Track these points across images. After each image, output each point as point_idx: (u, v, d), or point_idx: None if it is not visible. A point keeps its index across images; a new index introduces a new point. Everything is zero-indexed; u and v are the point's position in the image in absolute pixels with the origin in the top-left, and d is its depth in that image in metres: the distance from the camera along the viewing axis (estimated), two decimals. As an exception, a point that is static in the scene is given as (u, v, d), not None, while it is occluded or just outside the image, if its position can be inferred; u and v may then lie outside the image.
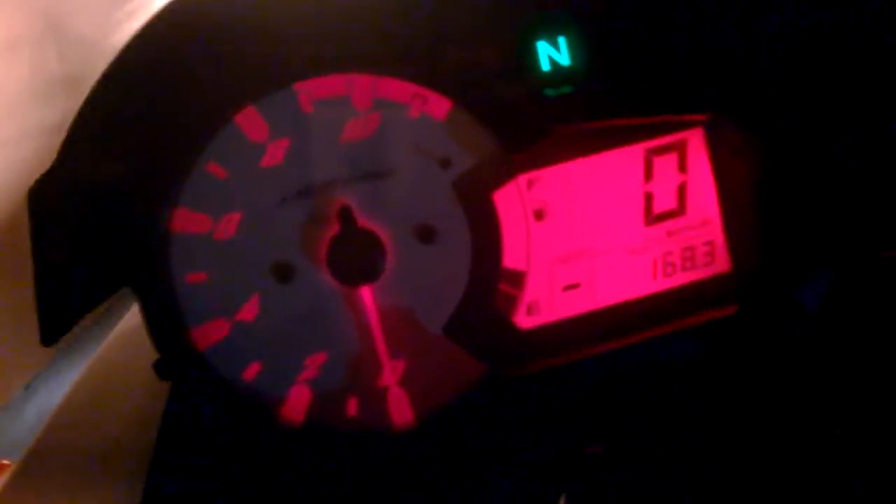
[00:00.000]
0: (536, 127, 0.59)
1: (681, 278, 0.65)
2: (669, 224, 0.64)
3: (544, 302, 0.63)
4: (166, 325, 0.59)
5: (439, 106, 0.59)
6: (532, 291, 0.63)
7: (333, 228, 0.59)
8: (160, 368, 0.59)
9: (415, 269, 0.61)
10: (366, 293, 0.60)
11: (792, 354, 0.65)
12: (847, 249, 0.64)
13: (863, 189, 0.63)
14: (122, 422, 0.66)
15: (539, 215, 0.62)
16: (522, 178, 0.61)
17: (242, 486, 0.62)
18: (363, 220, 0.59)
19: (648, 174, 0.63)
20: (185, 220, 0.58)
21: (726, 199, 0.64)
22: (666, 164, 0.63)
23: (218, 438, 0.62)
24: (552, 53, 0.60)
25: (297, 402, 0.62)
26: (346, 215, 0.58)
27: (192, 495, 0.62)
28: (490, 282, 0.61)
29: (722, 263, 0.65)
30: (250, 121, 0.58)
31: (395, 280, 0.60)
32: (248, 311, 0.60)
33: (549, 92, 0.60)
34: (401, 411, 0.63)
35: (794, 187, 0.63)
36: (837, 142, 0.61)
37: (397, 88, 0.59)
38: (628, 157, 0.62)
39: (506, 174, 0.61)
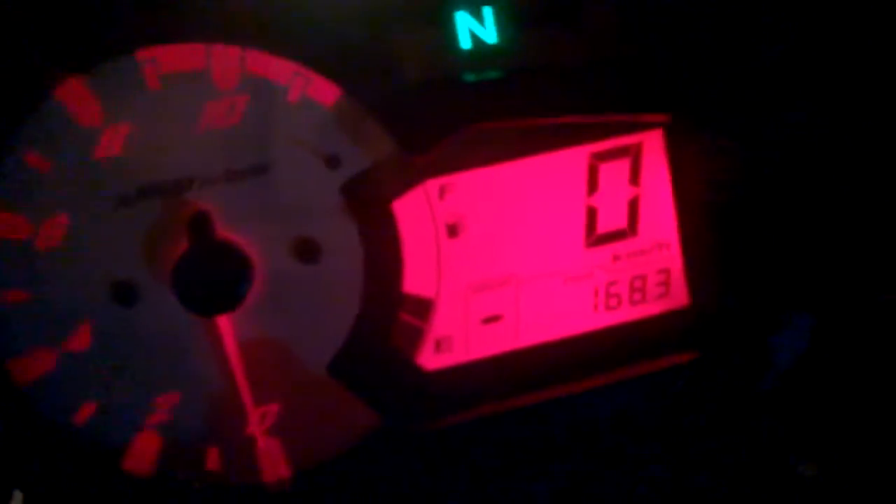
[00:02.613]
0: (449, 122, 0.43)
1: (628, 313, 0.49)
2: (616, 247, 0.48)
3: (457, 338, 0.48)
4: (-28, 353, 0.43)
5: (326, 90, 0.43)
6: (441, 324, 0.47)
7: (185, 240, 0.43)
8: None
9: (291, 294, 0.45)
10: (223, 324, 0.44)
11: (757, 410, 0.49)
12: (833, 289, 0.48)
13: (854, 214, 0.47)
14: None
15: (452, 231, 0.46)
16: (432, 185, 0.45)
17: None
18: (224, 231, 0.43)
19: (593, 184, 0.47)
20: (-3, 223, 0.42)
21: (687, 220, 0.48)
22: (615, 173, 0.47)
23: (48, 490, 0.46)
24: (474, 27, 0.44)
25: (143, 451, 0.46)
26: (199, 224, 0.42)
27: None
28: (387, 311, 0.46)
29: (679, 297, 0.50)
30: (78, 98, 0.42)
31: (264, 308, 0.45)
32: (79, 339, 0.44)
33: (469, 77, 0.44)
34: (273, 465, 0.47)
35: (769, 210, 0.47)
36: (826, 156, 0.45)
37: (272, 65, 0.43)
38: (568, 163, 0.47)
39: (410, 178, 0.45)
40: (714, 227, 0.48)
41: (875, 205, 0.49)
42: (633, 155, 0.47)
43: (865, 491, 0.49)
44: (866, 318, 0.48)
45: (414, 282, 0.47)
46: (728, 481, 0.50)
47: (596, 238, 0.48)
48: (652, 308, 0.50)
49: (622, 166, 0.48)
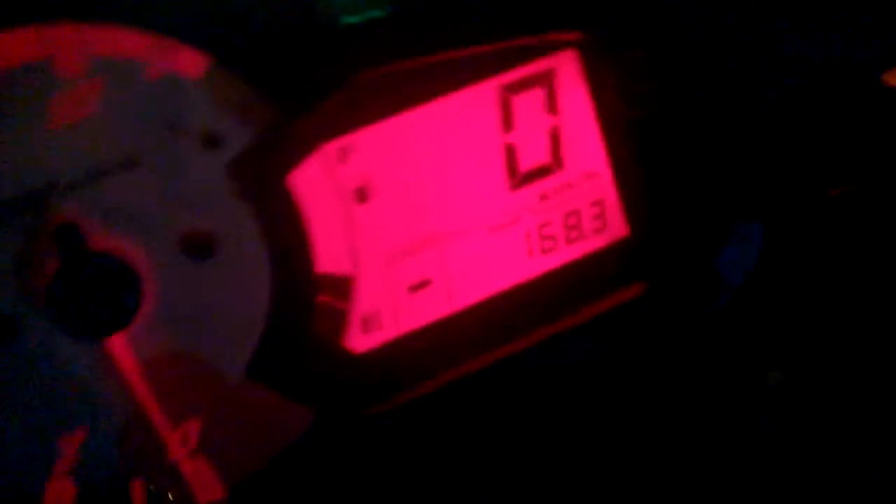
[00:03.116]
0: (334, 74, 0.38)
1: (566, 254, 0.45)
2: (543, 184, 0.44)
3: (385, 312, 0.43)
4: None
5: (190, 61, 0.37)
6: (366, 300, 0.42)
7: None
8: None
9: (191, 297, 0.40)
10: (118, 345, 0.38)
11: (713, 330, 0.46)
12: (777, 192, 0.44)
13: (790, 117, 0.43)
14: None
15: (362, 195, 0.41)
16: (330, 148, 0.40)
17: None
18: (101, 240, 0.37)
19: (507, 121, 0.42)
20: None
21: (615, 144, 0.44)
22: (530, 105, 0.43)
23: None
24: (346, -36, 0.38)
25: (58, 502, 0.40)
26: (66, 237, 0.37)
27: None
28: (302, 297, 0.41)
29: (617, 227, 0.46)
30: None
31: (162, 318, 0.39)
32: (-45, 387, 0.38)
33: (349, 19, 0.38)
34: (205, 487, 0.42)
35: (698, 120, 0.43)
36: (749, 57, 0.41)
37: (123, 40, 0.37)
38: (476, 101, 0.42)
39: (302, 145, 0.39)
40: (644, 147, 0.44)
41: (802, 98, 0.45)
42: (547, 81, 0.43)
43: (832, 392, 0.47)
44: (816, 216, 0.45)
45: (327, 259, 0.42)
46: (695, 401, 0.47)
47: (519, 178, 0.44)
48: (591, 244, 0.46)
49: (537, 95, 0.43)
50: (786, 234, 0.45)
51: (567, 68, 0.43)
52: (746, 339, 0.49)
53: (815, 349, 0.48)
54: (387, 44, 0.39)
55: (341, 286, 0.43)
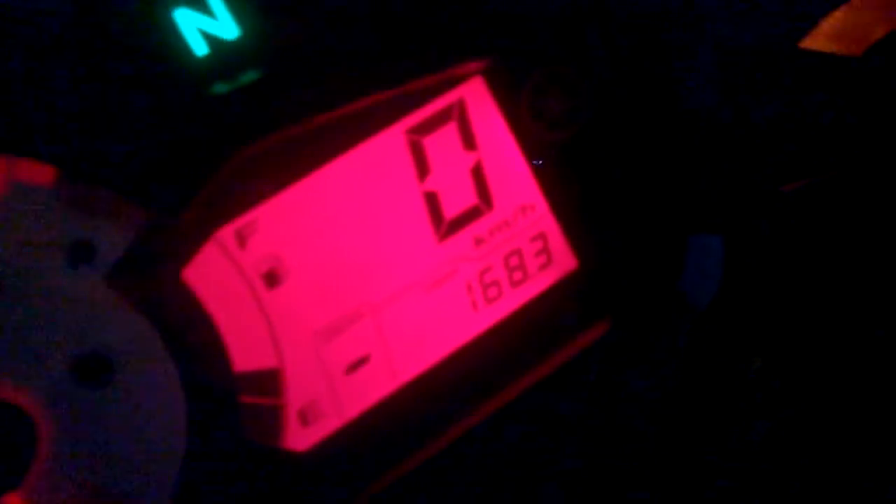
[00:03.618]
0: (209, 156, 0.32)
1: (513, 299, 0.40)
2: (474, 228, 0.39)
3: (323, 400, 0.38)
4: None
5: (35, 169, 0.32)
6: (299, 391, 0.37)
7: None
8: None
9: (95, 430, 0.34)
10: (16, 504, 0.33)
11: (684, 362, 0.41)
12: (730, 196, 0.39)
13: (724, 111, 0.39)
14: None
15: (271, 280, 0.36)
16: (225, 234, 0.35)
17: None
18: (-24, 386, 0.32)
19: (422, 166, 0.38)
20: None
21: (544, 171, 0.39)
22: (443, 144, 0.38)
23: None
24: (203, 24, 0.33)
25: None
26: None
27: None
28: (224, 403, 0.36)
29: (564, 260, 0.41)
30: None
31: (63, 463, 0.34)
32: None
33: (219, 89, 0.33)
34: None
35: (629, 130, 0.38)
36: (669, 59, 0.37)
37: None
38: (382, 151, 0.37)
39: (193, 236, 0.34)
40: (577, 169, 0.39)
41: (733, 88, 0.40)
42: (458, 115, 0.38)
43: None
44: (774, 216, 0.40)
45: (245, 356, 0.37)
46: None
47: (447, 227, 0.39)
48: (539, 283, 0.41)
49: (449, 133, 0.38)
50: (746, 239, 0.40)
51: (476, 98, 0.38)
52: (722, 348, 0.44)
53: (791, 348, 0.44)
54: (265, 110, 0.33)
55: (268, 381, 0.38)
